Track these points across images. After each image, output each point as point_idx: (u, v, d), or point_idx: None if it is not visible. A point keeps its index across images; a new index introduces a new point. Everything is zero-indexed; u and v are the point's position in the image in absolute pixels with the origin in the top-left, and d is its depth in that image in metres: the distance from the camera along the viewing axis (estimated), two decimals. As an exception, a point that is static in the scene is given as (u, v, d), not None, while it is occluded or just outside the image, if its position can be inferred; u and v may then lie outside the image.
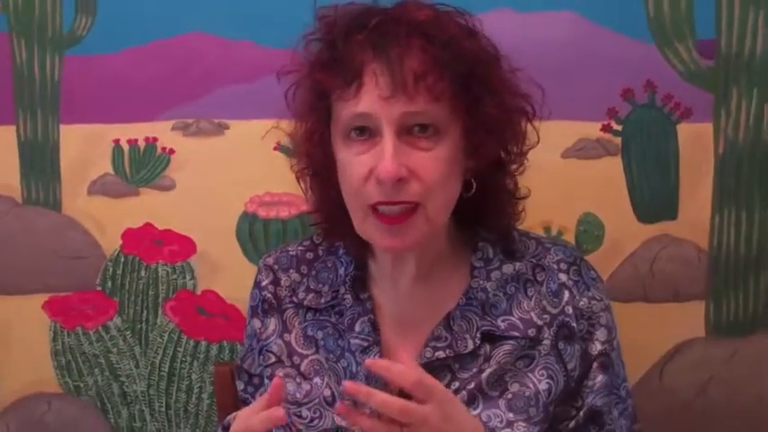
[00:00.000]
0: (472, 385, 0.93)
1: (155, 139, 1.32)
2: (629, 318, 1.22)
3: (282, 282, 1.04)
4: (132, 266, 1.35)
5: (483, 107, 0.89)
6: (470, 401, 0.93)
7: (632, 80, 1.24)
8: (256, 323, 1.05)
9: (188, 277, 1.34)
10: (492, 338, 0.94)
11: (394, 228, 0.88)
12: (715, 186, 1.27)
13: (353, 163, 0.89)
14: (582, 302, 0.95)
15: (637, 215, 1.28)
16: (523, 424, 0.92)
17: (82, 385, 1.38)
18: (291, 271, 1.04)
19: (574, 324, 0.95)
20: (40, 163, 1.33)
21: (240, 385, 1.08)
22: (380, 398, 0.78)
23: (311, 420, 0.97)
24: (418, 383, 0.80)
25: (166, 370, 1.36)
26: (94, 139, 1.32)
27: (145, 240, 1.34)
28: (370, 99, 0.86)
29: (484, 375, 0.93)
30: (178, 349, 1.36)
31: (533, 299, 0.96)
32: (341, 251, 1.02)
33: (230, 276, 1.33)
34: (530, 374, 0.94)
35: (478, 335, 0.94)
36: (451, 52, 0.87)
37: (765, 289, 1.29)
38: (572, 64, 1.24)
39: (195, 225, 1.33)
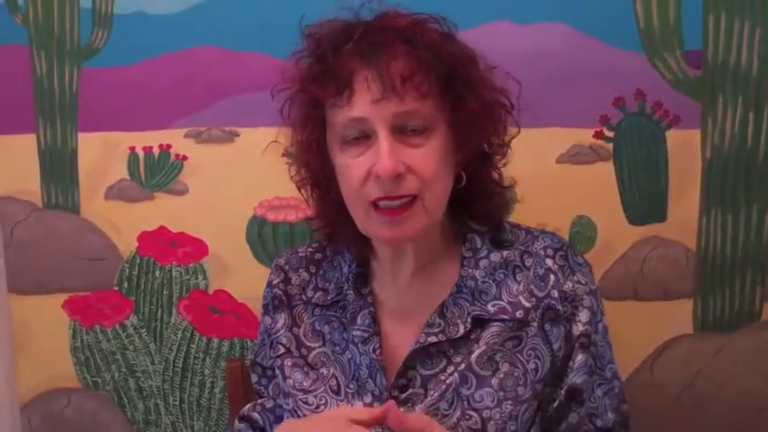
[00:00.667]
0: (463, 366, 0.96)
1: (168, 146, 1.32)
2: (620, 315, 1.24)
3: (293, 281, 1.07)
4: (147, 267, 1.36)
5: (466, 103, 0.92)
6: (463, 381, 0.95)
7: (623, 89, 1.25)
8: (267, 319, 1.08)
9: (200, 277, 1.36)
10: (482, 322, 0.97)
11: (395, 219, 0.91)
12: (702, 190, 1.28)
13: (351, 166, 0.92)
14: (566, 286, 0.97)
15: (628, 217, 1.29)
16: (512, 402, 0.95)
17: (100, 381, 1.39)
18: (301, 270, 1.07)
19: (559, 306, 0.96)
20: (59, 169, 1.34)
21: (254, 378, 1.11)
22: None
23: (317, 407, 1.00)
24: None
25: (180, 366, 1.37)
26: (111, 146, 1.33)
27: (159, 242, 1.35)
28: (363, 104, 0.89)
29: (473, 356, 0.96)
30: (191, 346, 1.37)
31: (522, 283, 0.98)
32: (346, 251, 1.05)
33: (241, 276, 1.34)
34: (518, 355, 0.96)
35: (469, 320, 0.96)
36: (434, 54, 0.90)
37: (750, 287, 1.30)
38: (566, 74, 1.25)
39: (207, 228, 1.34)
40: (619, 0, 1.23)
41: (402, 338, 0.99)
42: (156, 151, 1.34)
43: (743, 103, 1.25)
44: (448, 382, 0.96)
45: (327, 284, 1.05)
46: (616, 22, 1.24)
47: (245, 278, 1.34)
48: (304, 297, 1.06)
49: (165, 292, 1.37)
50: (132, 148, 1.34)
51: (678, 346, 1.32)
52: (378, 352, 0.99)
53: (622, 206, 1.30)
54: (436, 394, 0.95)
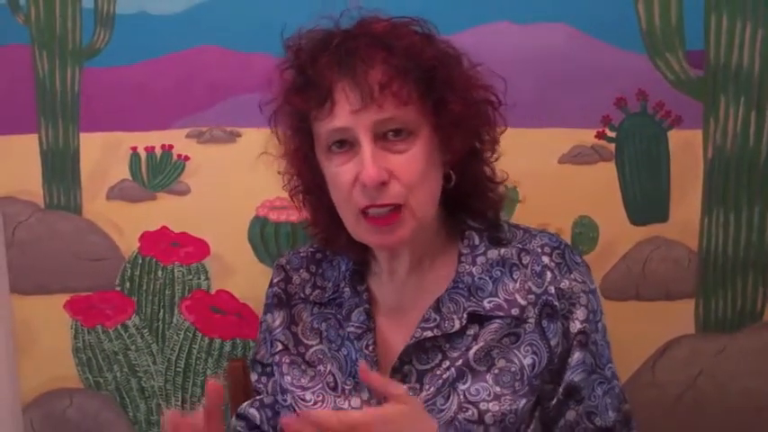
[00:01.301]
0: (460, 362, 0.96)
1: (170, 147, 1.32)
2: (622, 316, 1.27)
3: (294, 280, 1.08)
4: (149, 268, 1.36)
5: (448, 105, 0.93)
6: (459, 377, 0.96)
7: (625, 89, 1.26)
8: (268, 318, 1.09)
9: (202, 278, 1.36)
10: (480, 319, 0.98)
11: (384, 228, 0.93)
12: (704, 190, 1.28)
13: (339, 173, 0.93)
14: (563, 283, 0.98)
15: (630, 218, 1.29)
16: (510, 397, 0.95)
17: (102, 381, 1.39)
18: (302, 270, 1.09)
19: (556, 303, 0.97)
20: (61, 169, 1.34)
21: (254, 376, 1.12)
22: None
23: (314, 403, 1.01)
24: (340, 422, 0.82)
25: (182, 366, 1.37)
26: (113, 146, 1.33)
27: (161, 243, 1.35)
28: (343, 114, 0.91)
29: (471, 352, 0.96)
30: (193, 346, 1.37)
31: (518, 281, 0.99)
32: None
33: (243, 277, 1.34)
34: (515, 351, 0.97)
35: (465, 315, 0.97)
36: (412, 59, 0.91)
37: (752, 288, 1.30)
38: (568, 74, 1.25)
39: (209, 228, 1.34)
40: (620, 0, 1.23)
41: (398, 334, 1.00)
42: (158, 151, 1.34)
43: (745, 104, 1.25)
44: (444, 377, 0.96)
45: (326, 283, 1.07)
46: (618, 22, 1.24)
47: (247, 278, 1.34)
48: (303, 295, 1.07)
49: (167, 293, 1.37)
50: (134, 149, 1.34)
51: (680, 346, 1.33)
52: (371, 348, 1.00)
53: (624, 206, 1.30)
54: (432, 389, 0.96)
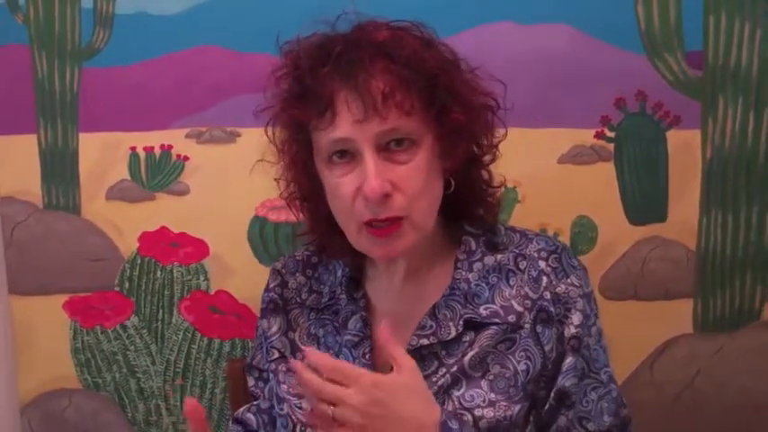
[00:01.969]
0: (455, 368, 0.96)
1: (170, 147, 1.32)
2: (621, 315, 1.27)
3: (290, 284, 1.08)
4: (149, 268, 1.35)
5: (451, 114, 0.93)
6: (454, 383, 0.96)
7: (624, 89, 1.26)
8: (264, 323, 1.09)
9: (202, 278, 1.36)
10: (476, 325, 0.97)
11: (385, 239, 0.93)
12: (703, 190, 1.28)
13: (340, 184, 0.93)
14: (559, 288, 0.97)
15: (628, 218, 1.30)
16: (504, 403, 0.95)
17: (101, 381, 1.39)
18: (298, 274, 1.08)
19: (551, 308, 0.96)
20: (60, 170, 1.33)
21: (251, 381, 1.11)
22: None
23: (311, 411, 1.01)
24: (333, 369, 0.83)
25: (181, 366, 1.37)
26: (112, 146, 1.33)
27: (160, 243, 1.35)
28: (346, 124, 0.90)
29: (466, 359, 0.96)
30: (192, 347, 1.37)
31: (515, 287, 0.98)
32: None
33: (242, 277, 1.34)
34: (510, 356, 0.96)
35: (461, 322, 0.97)
36: (414, 67, 0.90)
37: (751, 287, 1.30)
38: (567, 74, 1.25)
39: (208, 228, 1.34)
40: (620, 1, 1.24)
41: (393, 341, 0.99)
42: (157, 151, 1.33)
43: (743, 104, 1.26)
44: (439, 383, 0.96)
45: (322, 287, 1.06)
46: (617, 23, 1.24)
47: (246, 279, 1.34)
48: (299, 300, 1.07)
49: (166, 293, 1.37)
50: (133, 149, 1.33)
51: (678, 345, 1.33)
52: (368, 356, 0.99)
53: (623, 206, 1.30)
54: None
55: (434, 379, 0.97)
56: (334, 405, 0.82)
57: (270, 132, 1.02)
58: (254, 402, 1.11)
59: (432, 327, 0.98)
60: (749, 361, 1.32)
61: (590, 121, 1.27)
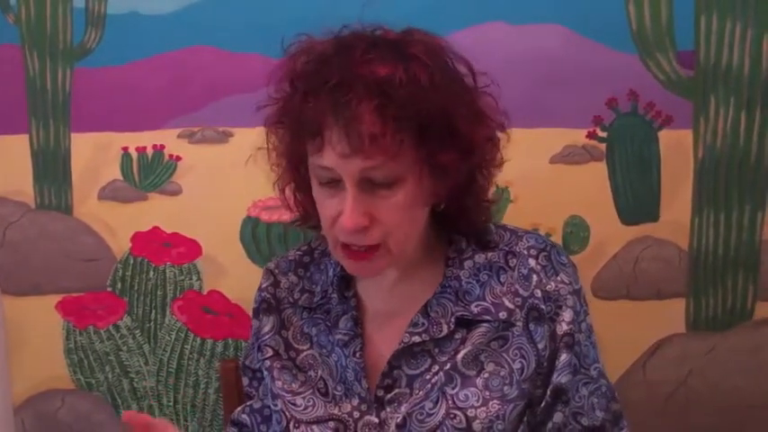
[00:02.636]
0: (448, 366, 0.96)
1: (162, 147, 1.32)
2: (613, 315, 1.28)
3: (282, 284, 1.08)
4: (141, 268, 1.36)
5: (442, 154, 0.90)
6: (448, 381, 0.96)
7: (616, 89, 1.26)
8: (256, 323, 1.09)
9: (194, 278, 1.36)
10: (468, 323, 0.97)
11: (361, 263, 0.93)
12: (694, 190, 1.29)
13: (324, 205, 0.93)
14: (549, 286, 0.97)
15: (620, 217, 1.30)
16: (498, 402, 0.95)
17: (94, 381, 1.39)
18: (290, 274, 1.08)
19: (542, 306, 0.96)
20: (52, 170, 1.34)
21: (245, 381, 1.11)
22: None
23: (305, 408, 1.00)
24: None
25: (174, 366, 1.37)
26: (104, 146, 1.33)
27: (153, 243, 1.35)
28: (331, 156, 0.88)
29: (459, 356, 0.96)
30: (185, 347, 1.37)
31: (506, 284, 0.98)
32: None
33: (235, 277, 1.34)
34: (504, 355, 0.96)
35: (453, 320, 0.97)
36: (412, 108, 0.86)
37: (742, 287, 1.31)
38: (559, 74, 1.25)
39: (201, 228, 1.34)
40: (612, 1, 1.24)
41: (387, 340, 1.00)
42: (149, 151, 1.33)
43: (735, 104, 1.26)
44: (433, 381, 0.96)
45: (314, 287, 1.06)
46: (609, 23, 1.25)
47: (238, 279, 1.34)
48: (291, 300, 1.07)
49: (158, 293, 1.37)
50: (125, 149, 1.34)
51: (671, 345, 1.33)
52: (358, 355, 0.99)
53: (615, 206, 1.30)
54: (421, 393, 0.96)
55: (428, 377, 0.97)
56: None
57: (267, 132, 1.00)
58: (248, 403, 1.11)
59: (424, 324, 0.98)
60: (741, 360, 1.33)
61: (582, 121, 1.28)
